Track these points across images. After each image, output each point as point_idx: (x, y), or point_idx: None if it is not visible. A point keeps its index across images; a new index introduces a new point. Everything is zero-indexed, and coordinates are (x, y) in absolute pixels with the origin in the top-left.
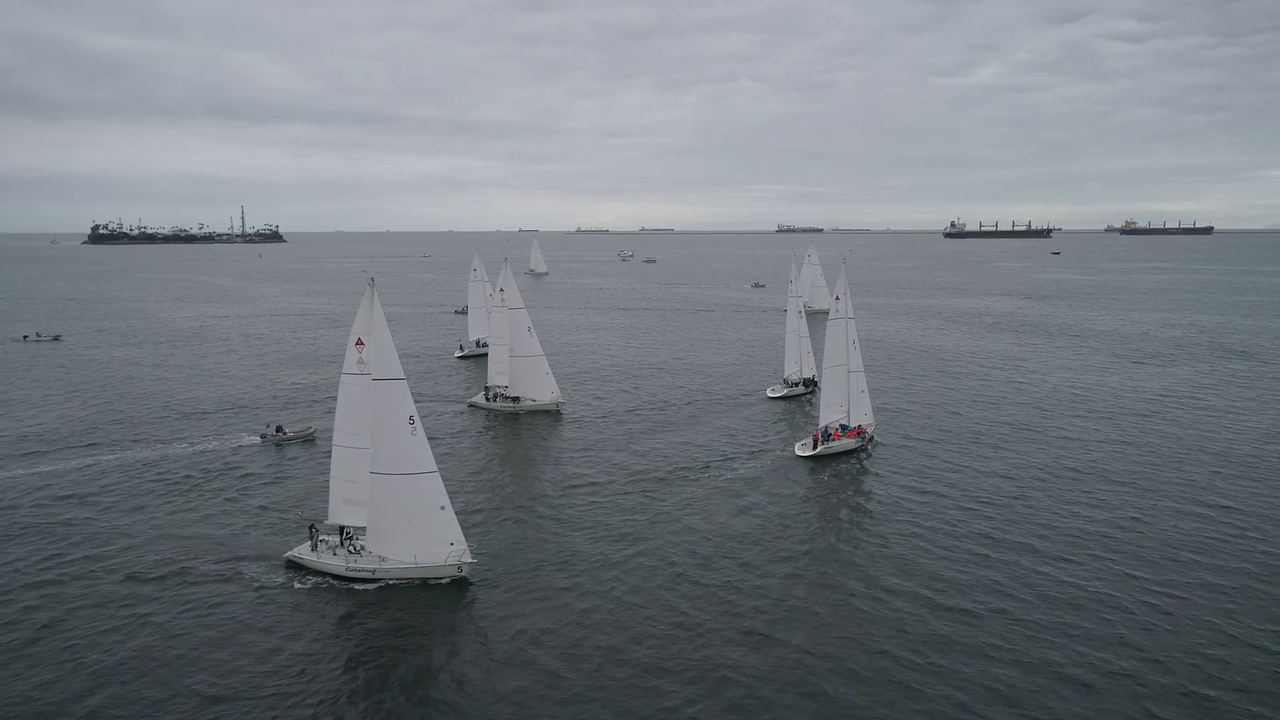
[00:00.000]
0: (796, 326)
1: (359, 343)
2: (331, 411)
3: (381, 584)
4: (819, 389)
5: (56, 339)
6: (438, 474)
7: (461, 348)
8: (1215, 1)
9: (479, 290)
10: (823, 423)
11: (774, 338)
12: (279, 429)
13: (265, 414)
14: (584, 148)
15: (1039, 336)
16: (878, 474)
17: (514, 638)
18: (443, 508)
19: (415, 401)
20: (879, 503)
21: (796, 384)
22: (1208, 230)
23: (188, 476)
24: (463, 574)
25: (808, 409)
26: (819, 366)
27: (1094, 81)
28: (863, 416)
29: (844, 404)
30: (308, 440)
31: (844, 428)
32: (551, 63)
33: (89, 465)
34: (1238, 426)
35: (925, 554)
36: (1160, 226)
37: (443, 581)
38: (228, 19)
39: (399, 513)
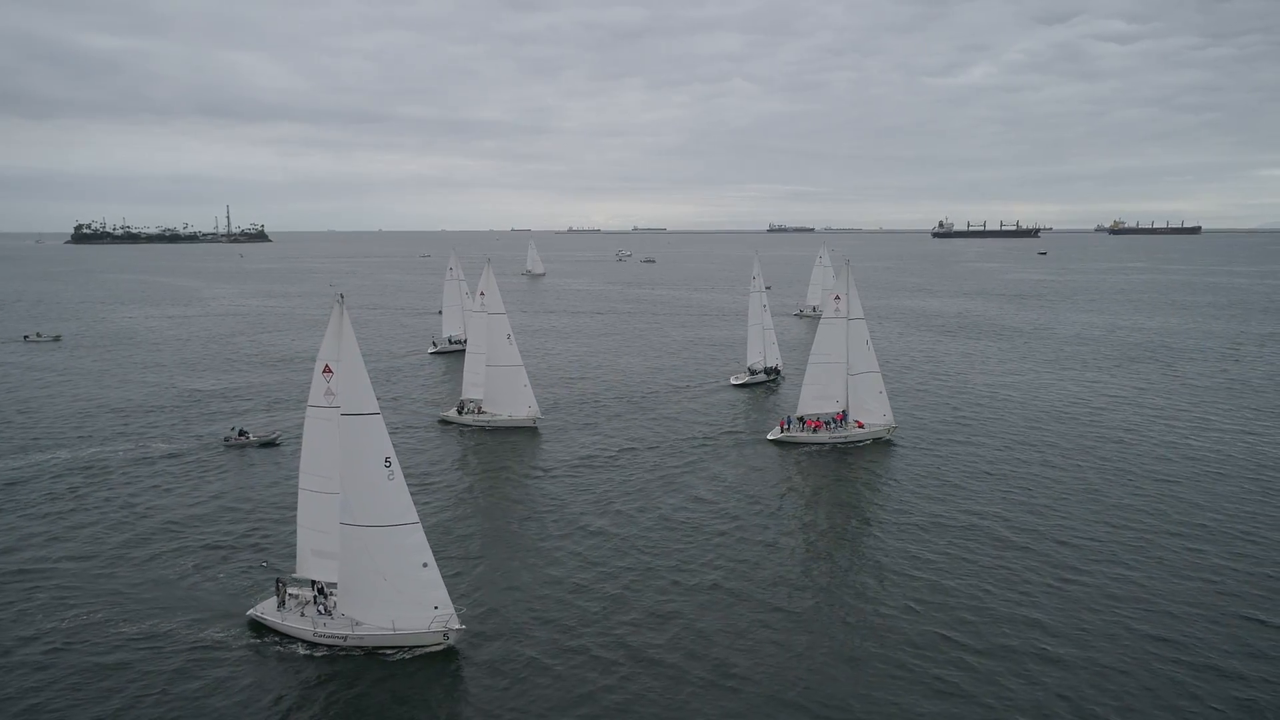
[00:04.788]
0: (760, 319)
1: (326, 370)
2: (272, 410)
3: (355, 652)
4: (782, 377)
5: (57, 339)
6: (419, 526)
7: (434, 344)
8: (1204, 2)
9: (454, 289)
10: (799, 412)
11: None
12: (241, 432)
13: (173, 415)
14: (576, 147)
15: (985, 337)
16: (851, 464)
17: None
18: (425, 565)
19: (388, 404)
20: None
21: (759, 372)
22: (1195, 230)
23: (138, 489)
24: (449, 641)
25: (772, 395)
26: (788, 358)
27: (1084, 82)
28: (880, 417)
29: (838, 398)
30: (271, 445)
31: (826, 419)
32: (543, 62)
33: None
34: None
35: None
36: (1149, 226)
37: (426, 650)
38: (219, 18)
39: (374, 570)
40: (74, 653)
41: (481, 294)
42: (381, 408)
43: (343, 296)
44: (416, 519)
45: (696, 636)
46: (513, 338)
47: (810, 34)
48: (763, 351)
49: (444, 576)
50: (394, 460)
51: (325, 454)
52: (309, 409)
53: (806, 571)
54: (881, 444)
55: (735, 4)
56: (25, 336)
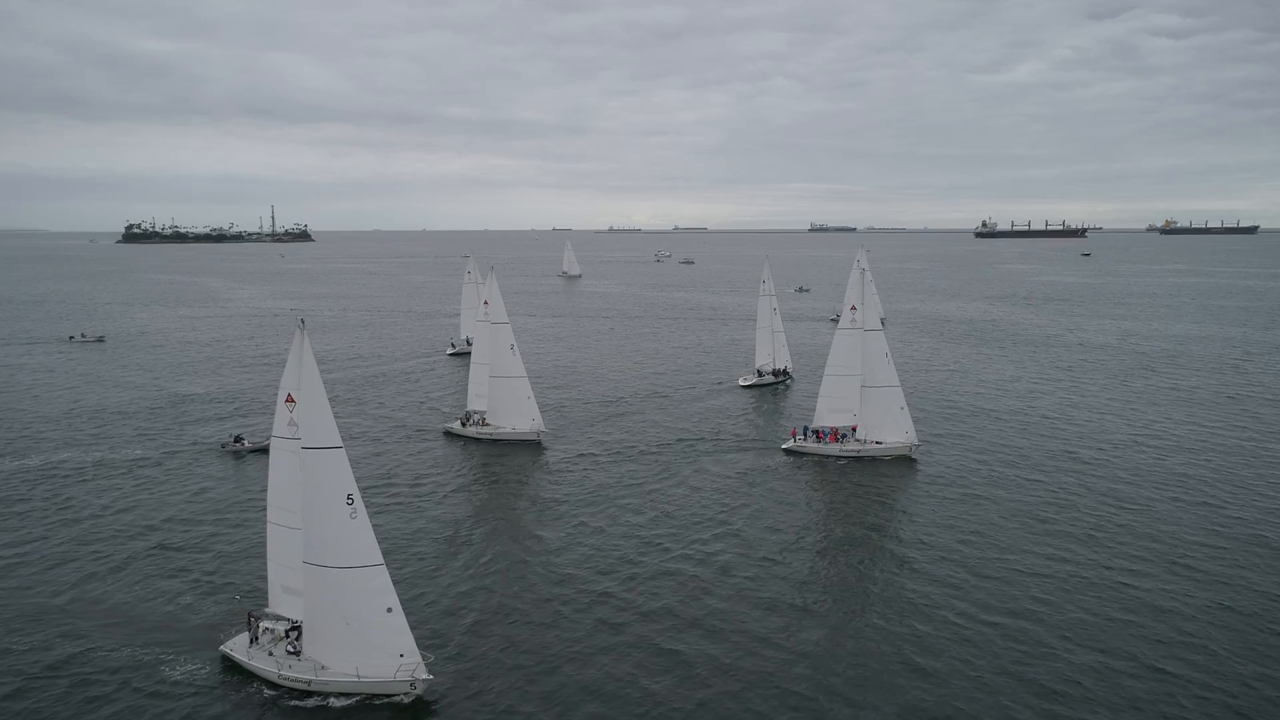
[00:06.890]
0: (770, 322)
1: (289, 400)
2: (271, 415)
3: (320, 698)
4: (791, 379)
5: (100, 340)
6: (384, 568)
7: (453, 345)
8: None
9: (472, 291)
10: (815, 424)
11: (795, 344)
12: (238, 439)
13: (163, 423)
14: (616, 147)
15: (982, 344)
16: (864, 481)
17: None
18: (390, 610)
19: (393, 414)
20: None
21: (767, 374)
22: (1252, 229)
23: (131, 499)
24: (417, 692)
25: (781, 397)
26: (810, 364)
27: (1136, 78)
28: (901, 434)
29: (854, 411)
30: (268, 451)
31: (836, 431)
32: (584, 62)
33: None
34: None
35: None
36: (1202, 226)
37: (393, 700)
38: (263, 21)
39: (337, 614)
40: (40, 678)
41: (485, 303)
42: (391, 416)
43: (303, 321)
44: (380, 560)
45: (686, 680)
46: (516, 348)
47: (852, 31)
48: (772, 353)
49: (419, 615)
50: (357, 498)
51: (291, 487)
52: (273, 439)
53: (825, 612)
54: (902, 462)
55: (775, 2)
56: (70, 337)
